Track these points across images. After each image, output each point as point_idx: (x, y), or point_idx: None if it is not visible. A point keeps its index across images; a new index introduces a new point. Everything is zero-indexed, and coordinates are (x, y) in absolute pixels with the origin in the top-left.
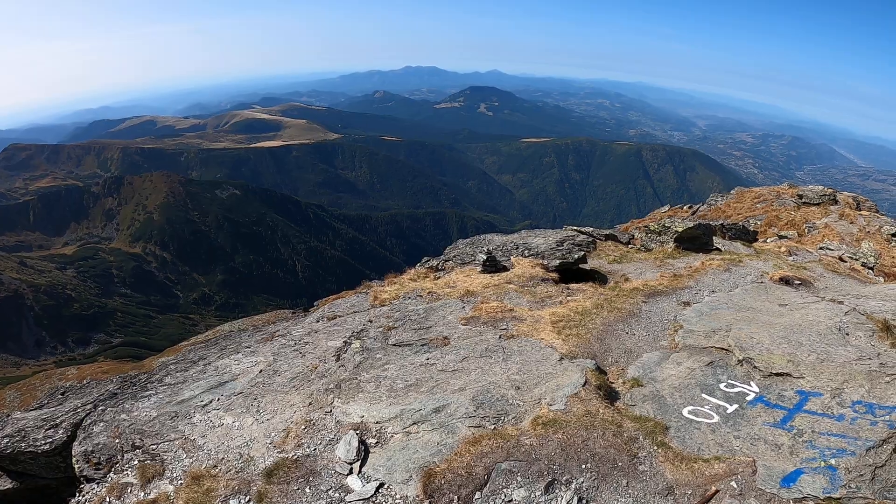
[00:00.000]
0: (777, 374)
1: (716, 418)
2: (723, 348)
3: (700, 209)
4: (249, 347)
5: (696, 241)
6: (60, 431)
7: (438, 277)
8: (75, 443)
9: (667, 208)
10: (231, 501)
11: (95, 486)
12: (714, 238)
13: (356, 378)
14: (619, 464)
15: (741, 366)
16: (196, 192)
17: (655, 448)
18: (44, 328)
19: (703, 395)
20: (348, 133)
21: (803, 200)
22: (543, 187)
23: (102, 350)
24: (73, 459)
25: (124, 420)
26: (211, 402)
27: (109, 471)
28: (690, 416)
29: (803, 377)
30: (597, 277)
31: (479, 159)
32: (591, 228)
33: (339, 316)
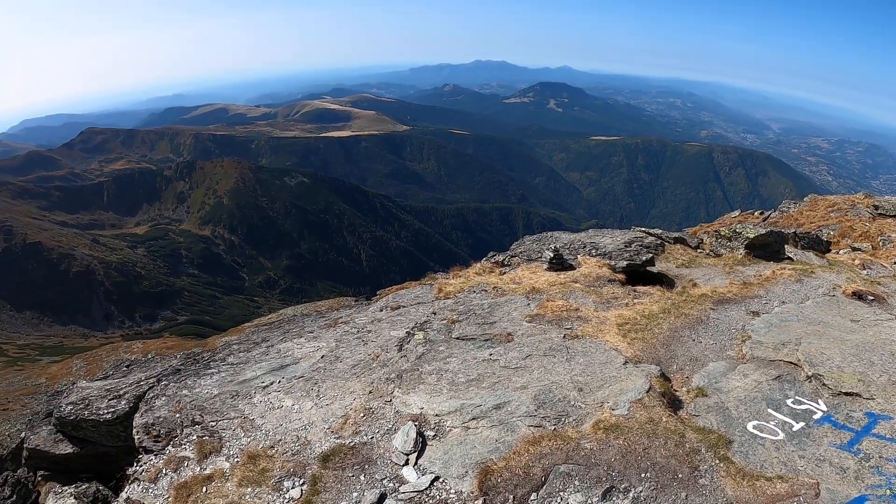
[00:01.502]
0: (846, 394)
1: (781, 435)
2: (791, 362)
3: (771, 216)
4: (312, 332)
5: (767, 248)
6: (123, 402)
7: (504, 273)
8: (137, 414)
9: (737, 213)
10: (286, 483)
11: (153, 457)
12: (786, 247)
13: (418, 369)
14: (680, 475)
15: (809, 382)
16: (265, 179)
17: (717, 462)
18: (113, 303)
19: (769, 411)
20: (417, 125)
21: (879, 211)
22: (611, 186)
23: (168, 327)
24: (134, 430)
25: (186, 396)
26: (272, 383)
27: (168, 444)
28: (755, 431)
29: (873, 398)
30: (664, 281)
31: (547, 156)
32: (660, 231)
33: (403, 306)
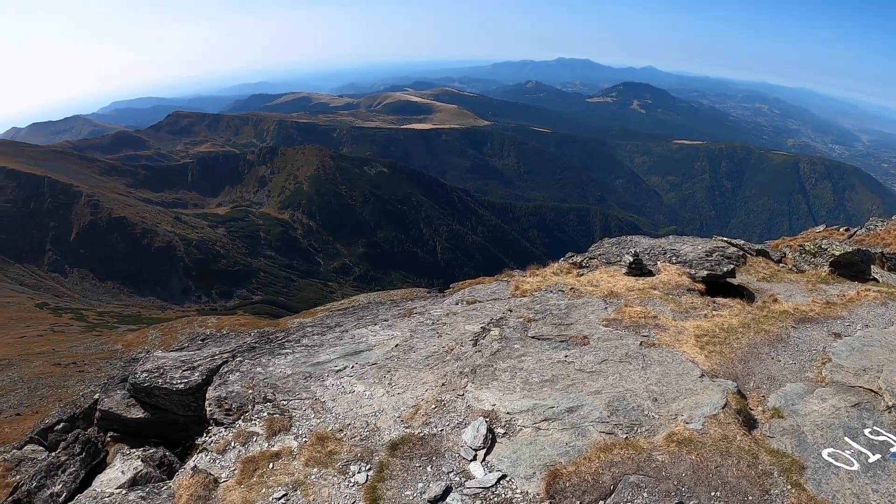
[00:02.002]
0: None
1: (856, 466)
2: (871, 390)
3: (857, 233)
4: (387, 321)
5: (852, 267)
6: (196, 374)
7: (581, 274)
8: (210, 387)
9: (822, 228)
10: (352, 467)
11: (223, 430)
12: (872, 267)
13: (492, 366)
14: (750, 498)
15: (889, 413)
16: (346, 168)
17: (789, 487)
18: (191, 279)
19: (846, 439)
20: (498, 121)
21: None
22: (692, 192)
23: (242, 304)
24: (206, 402)
25: (259, 373)
26: (345, 368)
27: (238, 418)
28: (829, 459)
29: None
30: (744, 294)
31: (628, 157)
32: (742, 241)
33: (479, 301)
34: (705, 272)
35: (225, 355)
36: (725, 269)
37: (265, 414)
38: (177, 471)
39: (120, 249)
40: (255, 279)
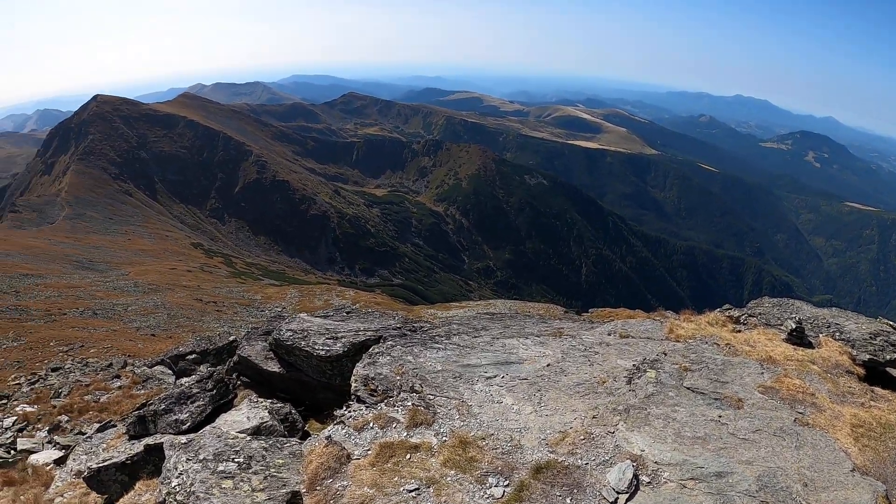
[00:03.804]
0: None
1: None
2: None
3: None
4: (538, 337)
5: None
6: (338, 345)
7: (738, 330)
8: (359, 364)
9: None
10: (490, 479)
11: (364, 408)
12: None
13: (646, 409)
14: None
15: None
16: (506, 173)
17: None
18: (338, 249)
19: None
20: (665, 152)
21: None
22: (855, 262)
23: (381, 284)
24: (353, 378)
25: (410, 362)
26: (496, 376)
27: (382, 401)
28: None
29: None
30: None
31: (794, 212)
32: None
33: (632, 337)
34: (867, 356)
35: (368, 333)
36: (889, 356)
37: (409, 404)
38: (298, 430)
39: (278, 209)
40: (399, 263)
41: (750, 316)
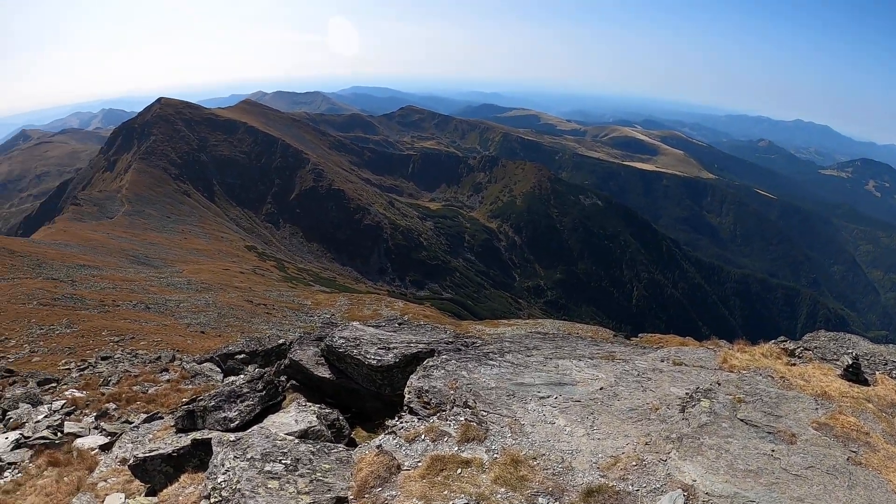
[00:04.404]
0: None
1: None
2: None
3: None
4: (591, 360)
5: None
6: (390, 356)
7: (793, 363)
8: (413, 376)
9: None
10: (540, 499)
11: (416, 420)
12: None
13: (699, 438)
14: None
15: None
16: (561, 192)
17: None
18: (390, 261)
19: None
20: (723, 176)
21: None
22: None
23: (431, 297)
24: (406, 389)
25: (464, 377)
26: (549, 396)
27: (434, 414)
28: None
29: None
30: None
31: (852, 243)
32: None
33: (685, 365)
34: None
35: (420, 346)
36: None
37: (462, 419)
38: (345, 436)
39: (332, 217)
40: (450, 277)
41: (805, 349)
